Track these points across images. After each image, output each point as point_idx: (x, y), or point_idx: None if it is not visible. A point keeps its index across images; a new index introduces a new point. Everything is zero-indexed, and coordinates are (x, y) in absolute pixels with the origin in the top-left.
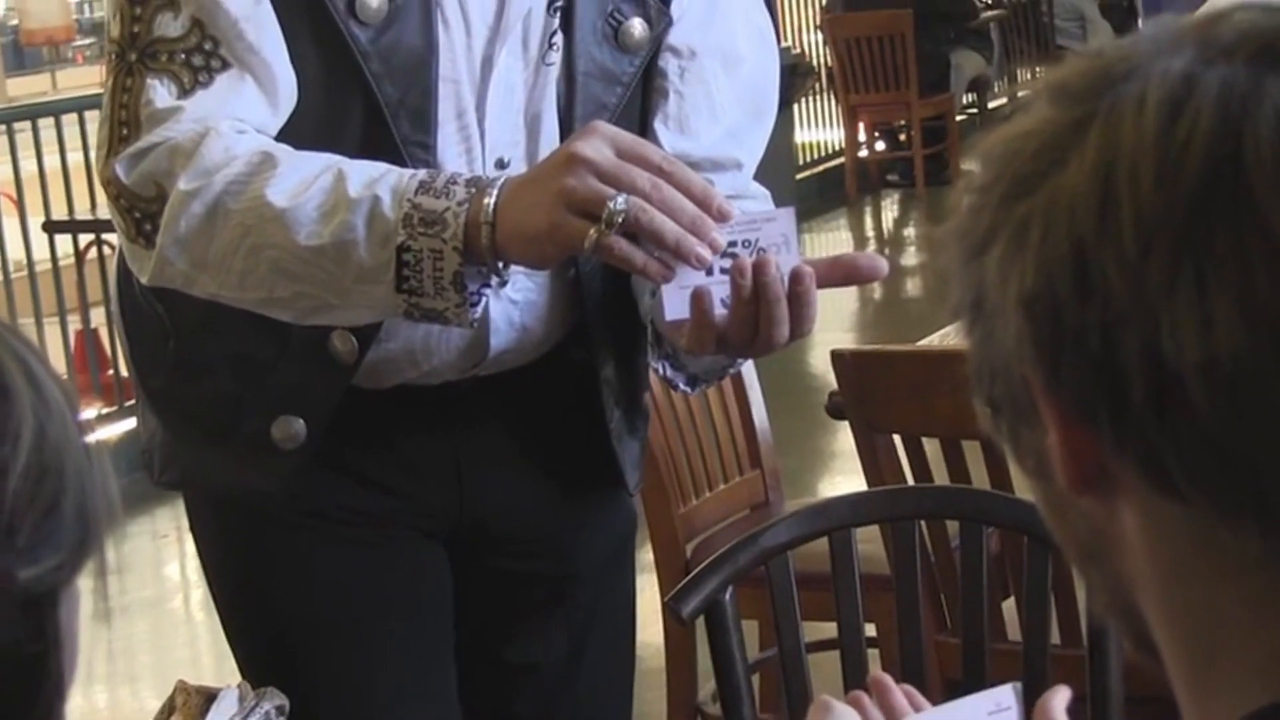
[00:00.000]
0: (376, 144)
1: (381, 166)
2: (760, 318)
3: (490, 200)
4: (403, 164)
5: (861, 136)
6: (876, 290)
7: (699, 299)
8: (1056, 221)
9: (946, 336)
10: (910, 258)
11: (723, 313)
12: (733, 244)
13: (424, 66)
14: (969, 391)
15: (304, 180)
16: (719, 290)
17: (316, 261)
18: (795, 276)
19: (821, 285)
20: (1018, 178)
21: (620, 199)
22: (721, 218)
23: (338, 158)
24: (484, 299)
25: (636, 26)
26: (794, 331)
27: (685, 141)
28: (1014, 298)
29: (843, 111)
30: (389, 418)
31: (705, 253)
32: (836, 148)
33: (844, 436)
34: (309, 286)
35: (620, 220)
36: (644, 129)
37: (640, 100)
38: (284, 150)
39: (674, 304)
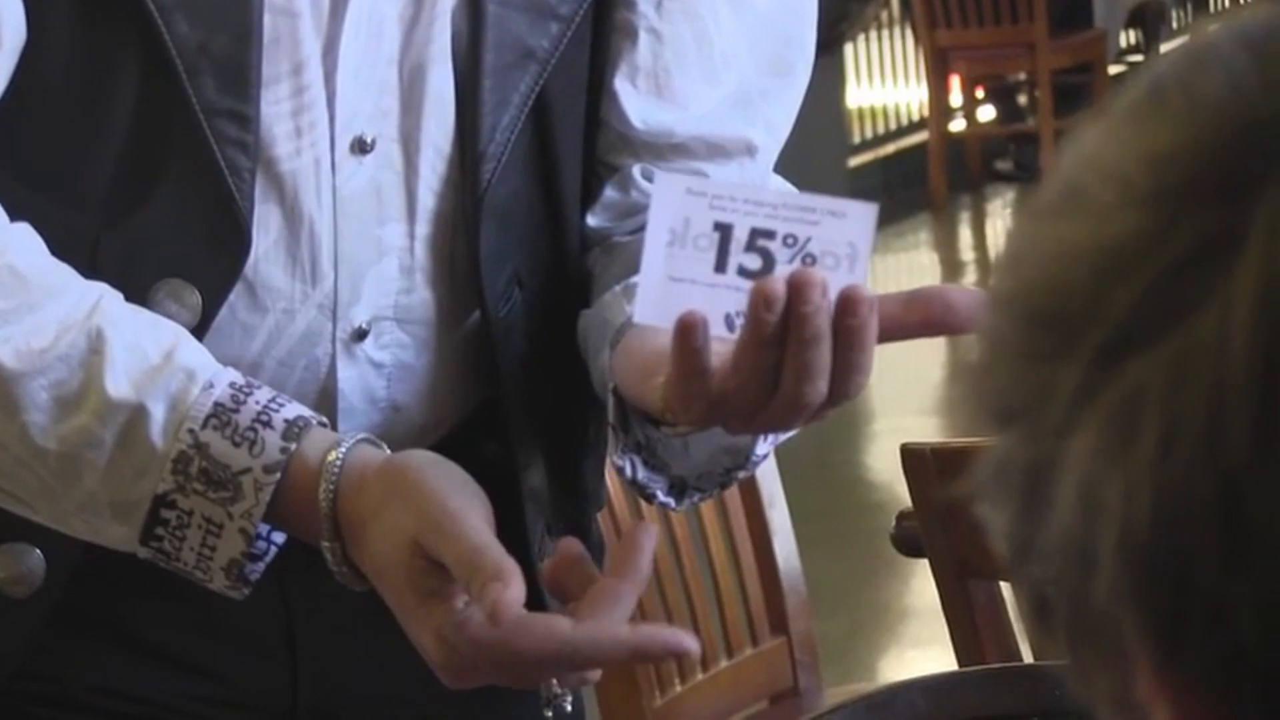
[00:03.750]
0: (160, 116)
1: (167, 336)
2: (785, 366)
3: (329, 485)
4: (204, 148)
5: (956, 99)
6: (975, 347)
7: (691, 321)
8: (1187, 417)
9: None
10: None
11: (728, 338)
12: (767, 234)
13: None
14: None
15: (44, 325)
16: (729, 301)
17: (31, 464)
18: (847, 302)
19: (892, 334)
20: (1114, 323)
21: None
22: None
23: (101, 290)
24: (271, 551)
25: None
26: (836, 390)
27: (665, 110)
28: (1112, 539)
29: (925, 59)
30: None
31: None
32: (915, 117)
33: (921, 583)
34: (10, 486)
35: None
36: (600, 90)
37: (592, 45)
38: (15, 235)
39: (651, 301)
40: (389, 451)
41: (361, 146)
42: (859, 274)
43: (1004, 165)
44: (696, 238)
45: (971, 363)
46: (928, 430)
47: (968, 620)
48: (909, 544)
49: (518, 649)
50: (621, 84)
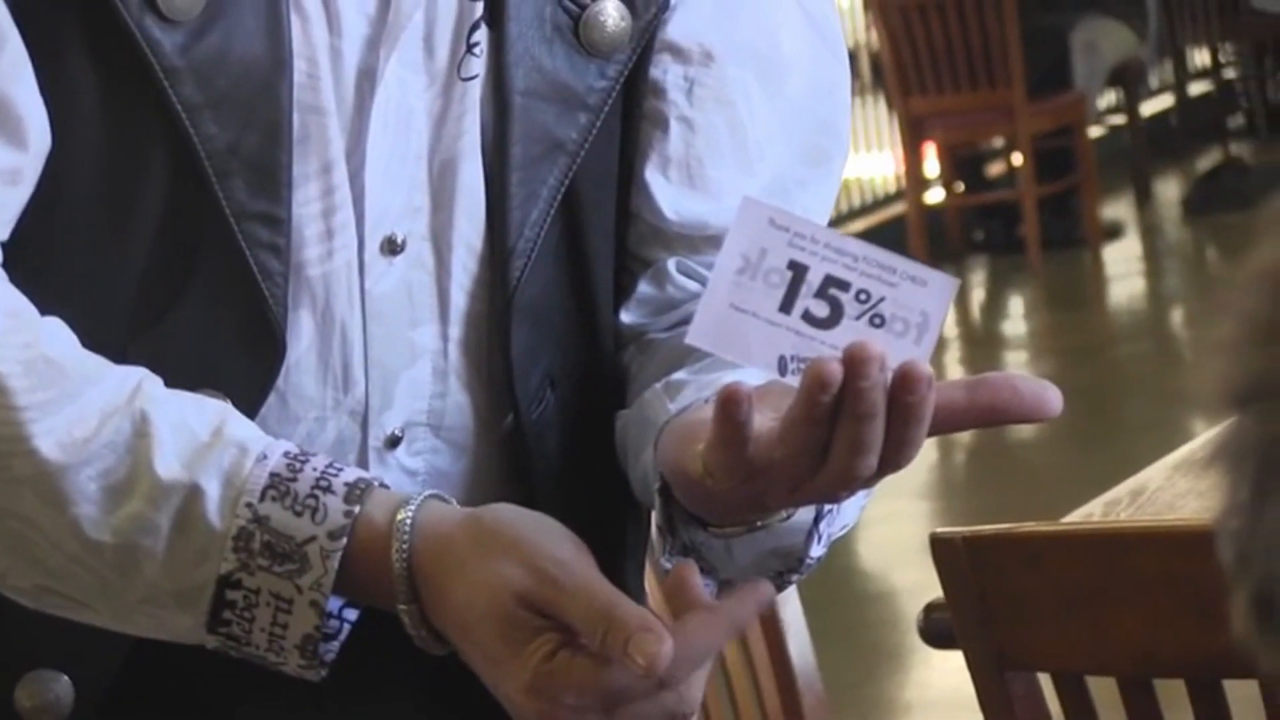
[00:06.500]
0: (189, 220)
1: (213, 412)
2: (837, 439)
3: (402, 545)
4: (236, 252)
5: (932, 169)
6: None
7: (735, 395)
8: None
9: (1114, 508)
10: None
11: (778, 381)
12: (841, 284)
13: (268, 89)
14: (1165, 599)
15: (86, 413)
16: (787, 343)
17: (85, 561)
18: (905, 379)
19: (956, 423)
20: None
21: None
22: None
23: (141, 374)
24: (345, 629)
25: (610, 13)
26: (885, 464)
27: (699, 201)
28: None
29: (900, 127)
30: (213, 671)
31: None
32: (889, 189)
33: (925, 675)
34: (68, 588)
35: None
36: (631, 182)
37: (623, 136)
38: (47, 327)
39: (708, 325)
40: (458, 506)
41: (392, 246)
42: (925, 347)
43: (981, 236)
44: (769, 272)
45: (1218, 343)
46: (920, 515)
47: (1007, 714)
48: (939, 635)
49: (621, 684)
50: (653, 175)
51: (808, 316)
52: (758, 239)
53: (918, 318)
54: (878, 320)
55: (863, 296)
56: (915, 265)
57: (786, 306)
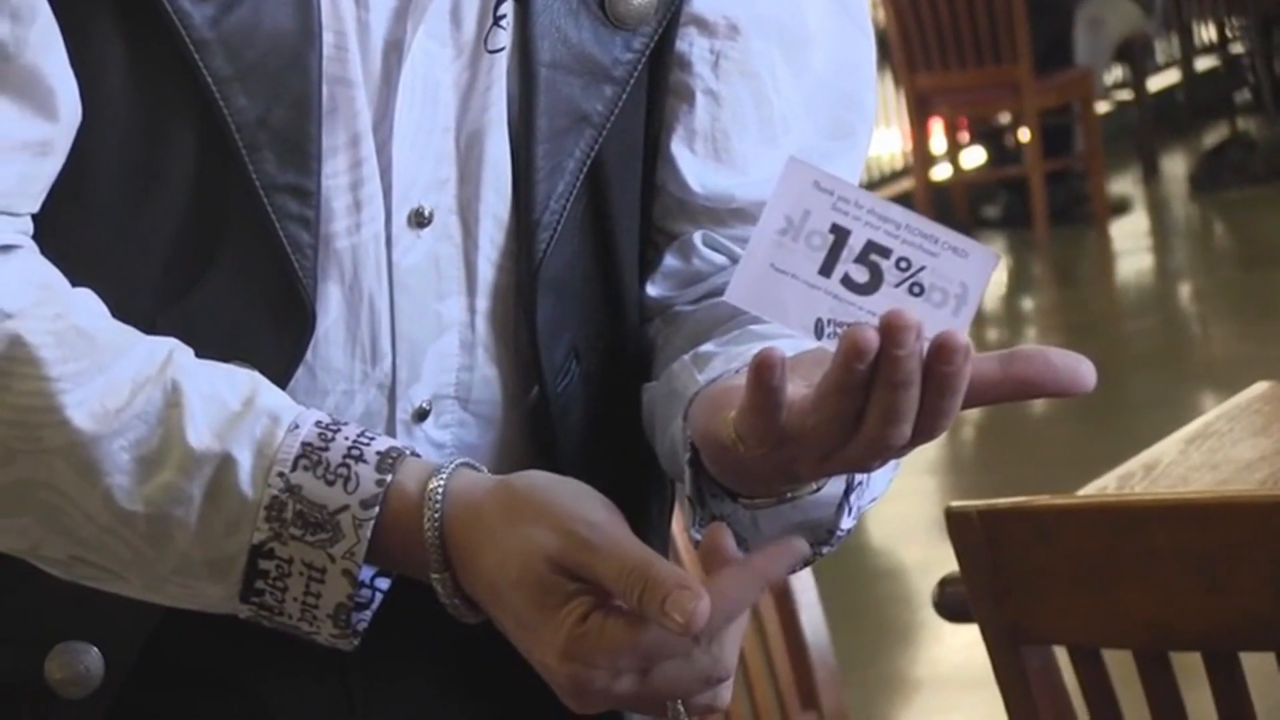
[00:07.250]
0: (218, 193)
1: (244, 382)
2: (870, 407)
3: (434, 514)
4: (265, 225)
5: (939, 144)
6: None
7: (769, 360)
8: None
9: (1128, 481)
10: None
11: (819, 352)
12: (882, 251)
13: (298, 61)
14: (1181, 572)
15: (117, 384)
16: (824, 306)
17: (118, 531)
18: (942, 349)
19: (988, 396)
20: None
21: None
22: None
23: (171, 345)
24: (376, 598)
25: None
26: (918, 434)
27: (725, 175)
28: None
29: (906, 103)
30: (241, 642)
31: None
32: (896, 164)
33: (961, 651)
34: (100, 558)
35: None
36: (656, 155)
37: (648, 108)
38: (78, 298)
39: (746, 284)
40: (489, 474)
41: (419, 219)
42: (963, 318)
43: (990, 212)
44: (810, 234)
45: None
46: (929, 491)
47: (1022, 688)
48: (953, 609)
49: (654, 641)
50: (678, 148)
51: (847, 281)
52: (801, 200)
53: (957, 288)
54: (917, 289)
55: (903, 264)
56: (957, 236)
57: (826, 270)
